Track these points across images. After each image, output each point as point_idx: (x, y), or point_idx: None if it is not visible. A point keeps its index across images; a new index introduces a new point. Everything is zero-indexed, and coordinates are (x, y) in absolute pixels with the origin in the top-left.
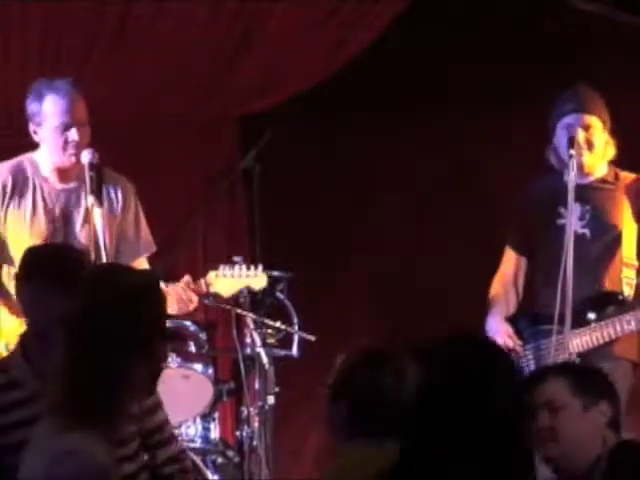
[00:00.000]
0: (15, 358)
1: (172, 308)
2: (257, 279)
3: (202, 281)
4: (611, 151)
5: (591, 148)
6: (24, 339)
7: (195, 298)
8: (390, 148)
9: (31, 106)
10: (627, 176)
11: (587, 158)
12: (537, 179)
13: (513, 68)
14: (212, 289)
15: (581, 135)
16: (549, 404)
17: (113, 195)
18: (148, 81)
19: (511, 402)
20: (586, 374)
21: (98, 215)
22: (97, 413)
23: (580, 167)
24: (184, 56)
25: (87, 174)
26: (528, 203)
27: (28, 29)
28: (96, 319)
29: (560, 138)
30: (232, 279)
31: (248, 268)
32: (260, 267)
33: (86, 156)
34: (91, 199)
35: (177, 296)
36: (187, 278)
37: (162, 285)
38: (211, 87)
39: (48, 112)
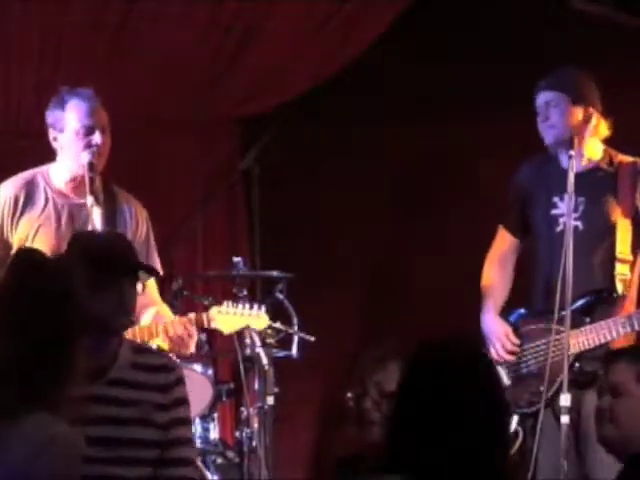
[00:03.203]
0: None
1: (171, 347)
2: (259, 320)
3: (204, 316)
4: (602, 130)
5: (553, 127)
6: None
7: (193, 342)
8: (390, 148)
9: (53, 113)
10: (624, 159)
11: (557, 138)
12: (533, 159)
13: (513, 68)
14: (213, 324)
15: (542, 115)
16: (613, 388)
17: (127, 215)
18: (148, 82)
19: (485, 401)
20: None
21: (98, 215)
22: (45, 399)
23: (572, 147)
24: (184, 56)
25: (86, 174)
26: (523, 185)
27: (28, 29)
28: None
29: (538, 122)
30: (234, 317)
31: (251, 307)
32: (263, 308)
33: (86, 157)
34: (91, 199)
35: (173, 329)
36: (191, 315)
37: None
38: (211, 88)
39: (70, 116)
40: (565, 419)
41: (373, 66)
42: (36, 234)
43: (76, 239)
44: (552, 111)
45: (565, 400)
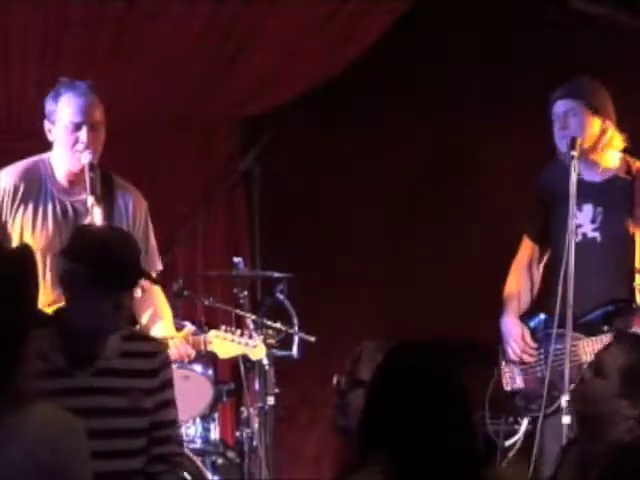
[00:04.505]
0: (49, 331)
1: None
2: (256, 350)
3: (202, 337)
4: (618, 142)
5: (567, 132)
6: (62, 315)
7: (193, 353)
8: (390, 148)
9: (48, 104)
10: None
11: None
12: (552, 166)
13: (513, 68)
14: (210, 347)
15: (563, 123)
16: (597, 368)
17: (122, 205)
18: (148, 82)
19: (444, 404)
20: None
21: (98, 215)
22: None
23: (574, 147)
24: (184, 57)
25: (87, 175)
26: (543, 192)
27: (28, 30)
28: None
29: (554, 129)
30: (231, 344)
31: (250, 337)
32: (260, 338)
33: (86, 157)
34: (91, 199)
35: (176, 350)
36: (188, 330)
37: (164, 336)
38: (211, 88)
39: (62, 110)
40: (566, 420)
41: (373, 66)
42: (34, 227)
43: (81, 233)
44: (572, 120)
45: (566, 401)
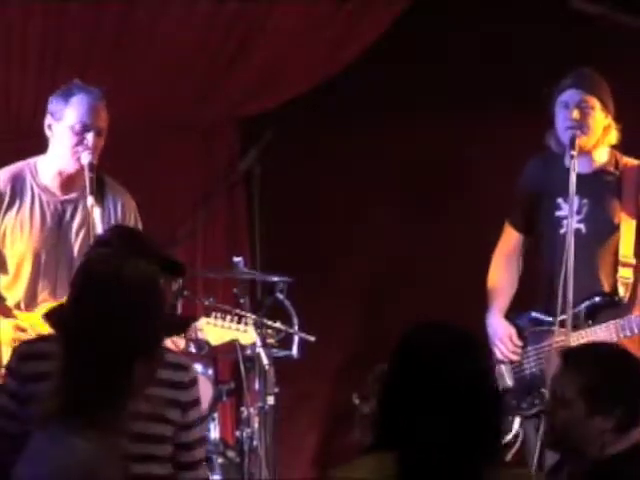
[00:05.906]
0: None
1: None
2: (246, 335)
3: (193, 325)
4: (613, 137)
5: (584, 129)
6: None
7: (181, 344)
8: (390, 148)
9: (56, 100)
10: (629, 162)
11: (580, 139)
12: (540, 156)
13: (513, 68)
14: (201, 335)
15: (575, 113)
16: (554, 395)
17: (112, 206)
18: (148, 82)
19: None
20: (609, 374)
21: (97, 215)
22: (99, 415)
23: (573, 147)
24: (184, 57)
25: (87, 175)
26: (529, 183)
27: (28, 30)
28: (103, 324)
29: (558, 118)
30: (222, 329)
31: (239, 322)
32: (251, 323)
33: (86, 157)
34: (91, 199)
35: None
36: None
37: None
38: (211, 88)
39: (72, 110)
40: None
41: (373, 66)
42: (22, 229)
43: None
44: (588, 113)
45: None
